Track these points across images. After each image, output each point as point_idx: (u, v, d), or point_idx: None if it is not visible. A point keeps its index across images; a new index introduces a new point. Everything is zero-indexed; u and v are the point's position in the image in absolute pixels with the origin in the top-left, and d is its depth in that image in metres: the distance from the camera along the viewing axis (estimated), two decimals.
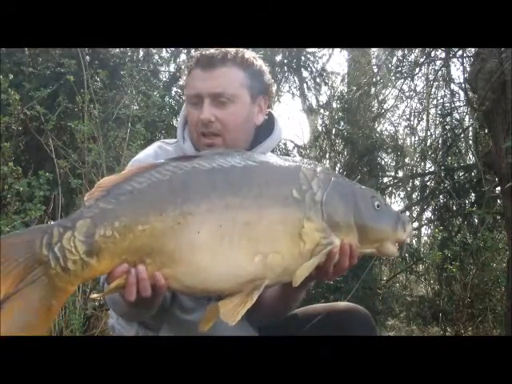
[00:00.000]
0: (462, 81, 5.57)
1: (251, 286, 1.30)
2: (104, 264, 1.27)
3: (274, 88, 1.75)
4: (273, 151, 1.74)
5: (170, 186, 1.30)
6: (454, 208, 6.09)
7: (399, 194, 6.59)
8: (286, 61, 6.73)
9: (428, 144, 6.55)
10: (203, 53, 1.63)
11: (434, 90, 6.54)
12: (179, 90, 5.85)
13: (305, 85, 6.97)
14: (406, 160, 6.55)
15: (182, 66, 1.74)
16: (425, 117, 6.89)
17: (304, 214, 1.32)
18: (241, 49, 1.65)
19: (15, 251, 1.24)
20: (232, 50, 1.62)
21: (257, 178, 1.33)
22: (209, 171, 1.32)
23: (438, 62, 6.09)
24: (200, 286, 1.31)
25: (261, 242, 1.29)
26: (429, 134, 6.81)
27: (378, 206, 1.40)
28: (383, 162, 6.48)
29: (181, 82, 1.73)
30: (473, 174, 5.84)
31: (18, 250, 1.24)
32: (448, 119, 6.23)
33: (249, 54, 1.66)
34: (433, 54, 5.93)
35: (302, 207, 1.32)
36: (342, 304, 1.77)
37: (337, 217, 1.35)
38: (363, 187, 1.45)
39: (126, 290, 1.28)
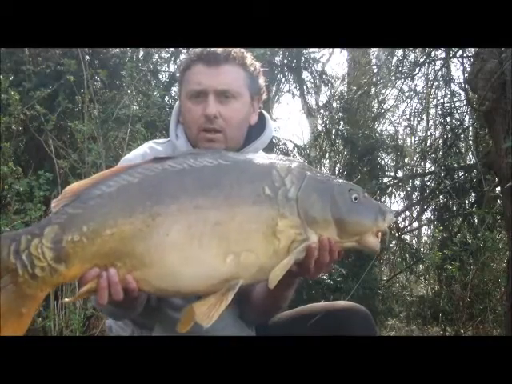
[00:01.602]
0: (462, 81, 5.57)
1: (226, 287, 1.29)
2: (73, 270, 1.26)
3: (266, 93, 1.76)
4: (272, 151, 1.75)
5: (139, 189, 1.29)
6: (454, 208, 6.09)
7: (399, 194, 6.59)
8: (285, 61, 6.73)
9: (428, 144, 6.54)
10: (204, 49, 1.63)
11: (434, 90, 6.54)
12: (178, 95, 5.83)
13: (304, 87, 6.96)
14: (406, 160, 6.55)
15: (179, 61, 1.73)
16: (425, 117, 6.89)
17: (277, 211, 1.31)
18: (241, 49, 1.66)
19: None
20: (233, 50, 1.63)
21: (228, 177, 1.33)
22: (179, 172, 1.31)
23: (438, 62, 6.09)
24: (172, 289, 1.31)
25: (232, 241, 1.28)
26: (429, 134, 6.81)
27: (355, 199, 1.39)
28: (383, 163, 6.47)
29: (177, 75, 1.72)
30: (473, 174, 5.84)
31: None
32: (448, 119, 6.23)
33: (248, 55, 1.68)
34: (433, 54, 5.93)
35: (274, 204, 1.32)
36: (342, 302, 1.77)
37: (313, 212, 1.34)
38: (341, 181, 1.44)
39: (98, 293, 1.27)
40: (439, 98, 6.53)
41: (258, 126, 1.73)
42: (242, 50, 1.66)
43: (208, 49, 1.63)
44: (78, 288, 1.36)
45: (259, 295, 1.63)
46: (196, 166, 1.33)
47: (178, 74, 1.73)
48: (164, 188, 1.29)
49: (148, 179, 1.30)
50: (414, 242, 7.35)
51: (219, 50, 1.62)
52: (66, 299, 1.48)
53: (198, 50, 1.64)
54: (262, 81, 1.71)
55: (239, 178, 1.33)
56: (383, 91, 6.57)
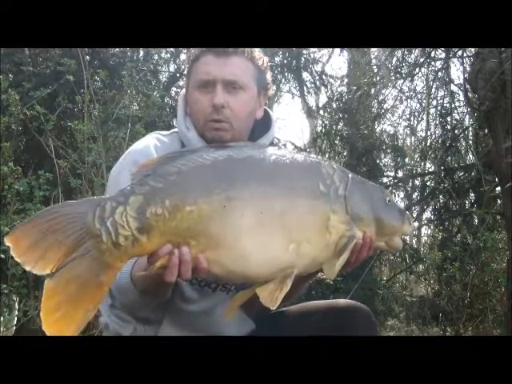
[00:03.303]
0: (461, 81, 5.58)
1: (282, 274, 1.33)
2: (152, 242, 1.26)
3: (273, 88, 1.77)
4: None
5: (213, 171, 1.32)
6: (454, 208, 6.09)
7: (399, 194, 6.60)
8: (285, 61, 6.74)
9: (428, 144, 6.55)
10: None
11: (433, 90, 6.54)
12: (179, 90, 5.85)
13: (304, 87, 6.96)
14: (406, 160, 6.56)
15: (187, 53, 1.73)
16: (425, 117, 6.90)
17: (330, 206, 1.37)
18: None
19: (69, 221, 1.23)
20: None
21: (287, 170, 1.37)
22: (244, 160, 1.35)
23: (438, 63, 6.09)
24: (240, 271, 1.32)
25: (294, 231, 1.33)
26: (429, 134, 6.82)
27: (389, 201, 1.48)
28: (383, 163, 6.48)
29: (185, 67, 1.73)
30: (473, 174, 5.84)
31: (71, 221, 1.23)
32: (448, 119, 6.23)
33: (256, 49, 1.69)
34: (433, 54, 5.93)
35: (327, 200, 1.37)
36: (343, 301, 1.80)
37: (359, 210, 1.41)
38: (373, 183, 1.52)
39: (168, 270, 1.28)
40: (439, 98, 6.55)
41: (262, 122, 1.74)
42: None
43: None
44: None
45: None
46: (257, 157, 1.37)
47: (186, 66, 1.74)
48: (235, 173, 1.32)
49: (219, 163, 1.33)
50: (413, 242, 7.36)
51: None
52: (138, 273, 1.44)
53: None
54: (269, 76, 1.72)
55: (296, 173, 1.38)
56: (383, 91, 6.58)
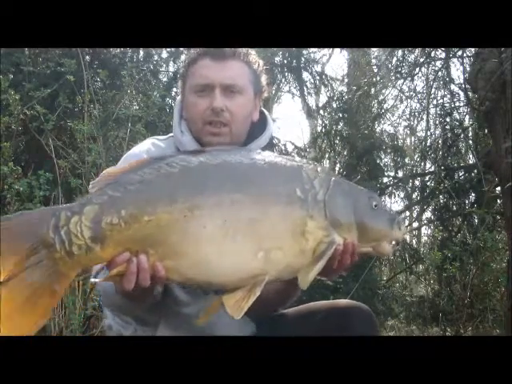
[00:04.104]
0: (462, 81, 5.57)
1: (252, 282, 1.32)
2: (107, 252, 1.27)
3: (272, 89, 1.78)
4: (272, 151, 1.75)
5: (179, 179, 1.31)
6: (454, 208, 6.09)
7: (399, 194, 6.59)
8: (285, 61, 6.73)
9: (428, 144, 6.54)
10: None
11: (433, 90, 6.54)
12: (179, 90, 5.84)
13: (304, 87, 6.96)
14: (406, 160, 6.55)
15: (185, 56, 1.74)
16: (425, 117, 6.89)
17: (307, 212, 1.34)
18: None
19: (23, 230, 1.25)
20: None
21: (262, 176, 1.36)
22: (217, 166, 1.34)
23: (438, 62, 6.09)
24: (202, 280, 1.32)
25: (264, 238, 1.31)
26: (429, 134, 6.81)
27: (375, 206, 1.44)
28: (383, 163, 6.47)
29: (181, 71, 1.73)
30: (473, 174, 5.84)
31: (26, 229, 1.25)
32: (448, 119, 6.22)
33: (252, 52, 1.70)
34: (433, 54, 5.92)
35: (305, 206, 1.35)
36: (344, 301, 1.79)
37: (339, 216, 1.38)
38: (360, 187, 1.48)
39: (125, 278, 1.29)
40: (439, 98, 6.54)
41: (259, 123, 1.75)
42: (247, 48, 1.68)
43: None
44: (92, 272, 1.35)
45: (271, 290, 1.63)
46: (232, 162, 1.35)
47: (181, 69, 1.74)
48: (204, 181, 1.31)
49: (188, 170, 1.32)
50: (413, 242, 7.36)
51: None
52: (93, 279, 1.45)
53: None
54: (264, 78, 1.73)
55: (272, 178, 1.36)
56: (383, 91, 6.57)
